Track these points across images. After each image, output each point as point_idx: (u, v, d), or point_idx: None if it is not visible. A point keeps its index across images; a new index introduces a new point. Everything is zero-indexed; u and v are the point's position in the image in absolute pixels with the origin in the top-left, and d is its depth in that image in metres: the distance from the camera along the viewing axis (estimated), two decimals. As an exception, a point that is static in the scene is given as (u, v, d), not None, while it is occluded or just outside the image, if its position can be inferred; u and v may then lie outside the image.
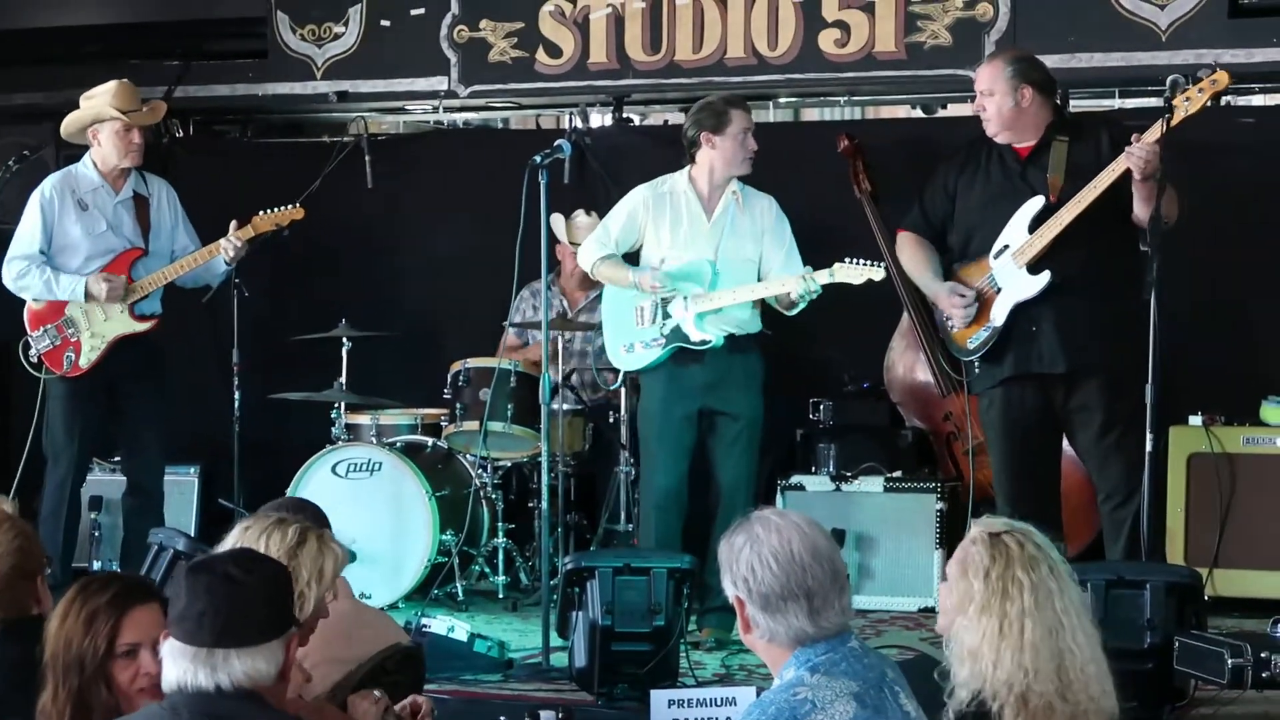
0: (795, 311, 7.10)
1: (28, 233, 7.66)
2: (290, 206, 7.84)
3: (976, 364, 6.89)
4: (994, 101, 6.70)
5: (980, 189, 6.81)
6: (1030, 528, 3.97)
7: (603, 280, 7.52)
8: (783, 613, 3.51)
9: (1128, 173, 6.34)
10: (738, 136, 7.17)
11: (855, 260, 6.89)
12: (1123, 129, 6.54)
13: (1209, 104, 6.35)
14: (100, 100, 7.68)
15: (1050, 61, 7.10)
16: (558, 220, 8.24)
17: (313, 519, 4.47)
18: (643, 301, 7.24)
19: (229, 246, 7.65)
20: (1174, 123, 6.20)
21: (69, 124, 7.77)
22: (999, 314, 6.69)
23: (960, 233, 6.88)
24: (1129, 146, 6.31)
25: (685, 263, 7.18)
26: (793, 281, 6.96)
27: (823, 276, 6.94)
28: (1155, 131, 6.28)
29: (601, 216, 8.37)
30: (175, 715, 3.37)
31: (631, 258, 7.39)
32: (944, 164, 7.04)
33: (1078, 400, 6.70)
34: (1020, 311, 6.65)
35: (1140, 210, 6.47)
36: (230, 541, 4.16)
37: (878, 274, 6.88)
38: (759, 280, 7.14)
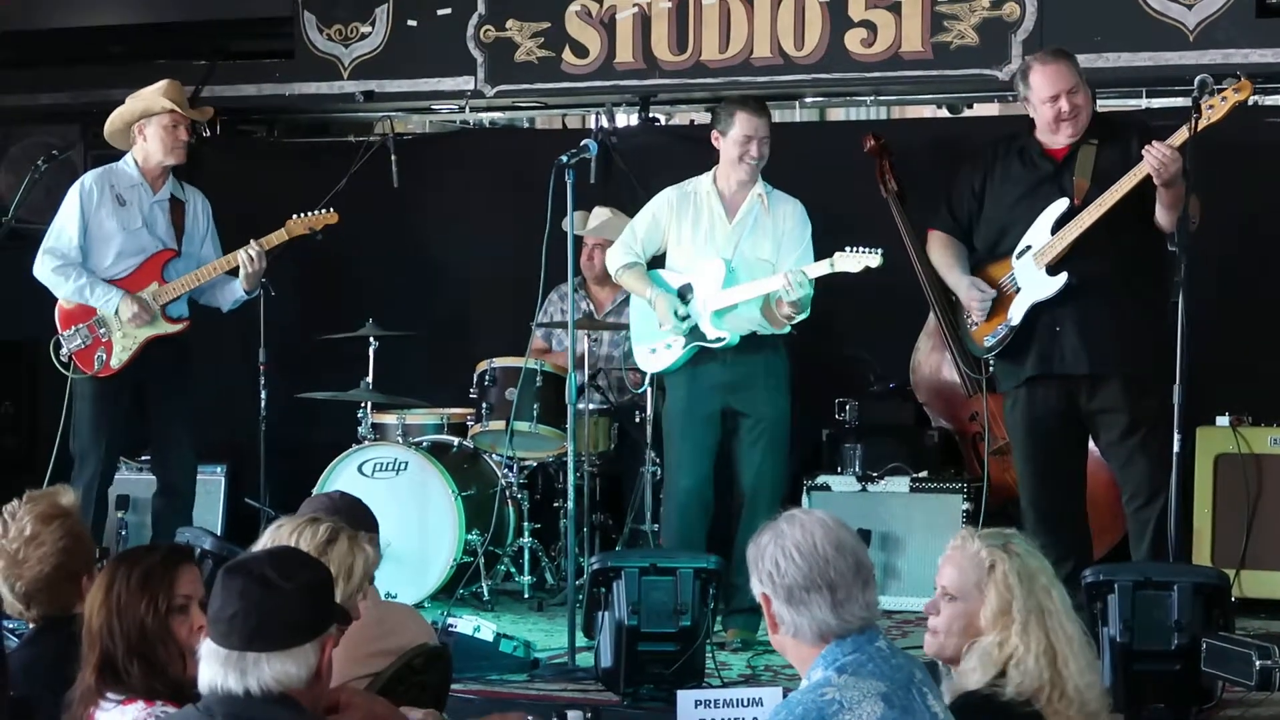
0: (795, 322, 7.10)
1: (65, 225, 7.68)
2: (325, 211, 7.85)
3: (992, 362, 6.91)
4: (1082, 95, 6.66)
5: (1013, 189, 6.79)
6: (1017, 534, 4.11)
7: (625, 287, 7.56)
8: (805, 604, 3.53)
9: (1151, 176, 6.34)
10: (738, 140, 7.14)
11: (854, 248, 6.88)
12: (1153, 135, 6.50)
13: (1236, 108, 6.32)
14: (150, 96, 7.72)
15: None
16: (577, 216, 8.21)
17: (349, 518, 4.47)
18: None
19: (248, 257, 7.64)
20: (1197, 130, 6.19)
21: (115, 120, 7.79)
22: (1016, 313, 6.70)
23: (989, 231, 6.87)
24: (1147, 147, 6.30)
25: (701, 263, 7.19)
26: (778, 279, 6.96)
27: (823, 267, 6.94)
28: (1179, 137, 6.28)
29: (624, 214, 8.44)
30: (209, 716, 3.36)
31: (660, 260, 7.41)
32: (969, 164, 7.03)
33: (1101, 401, 6.69)
34: (1042, 312, 6.65)
35: (1161, 216, 6.46)
36: (264, 540, 4.16)
37: (874, 260, 6.85)
38: None
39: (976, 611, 4.01)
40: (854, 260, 6.87)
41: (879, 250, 6.87)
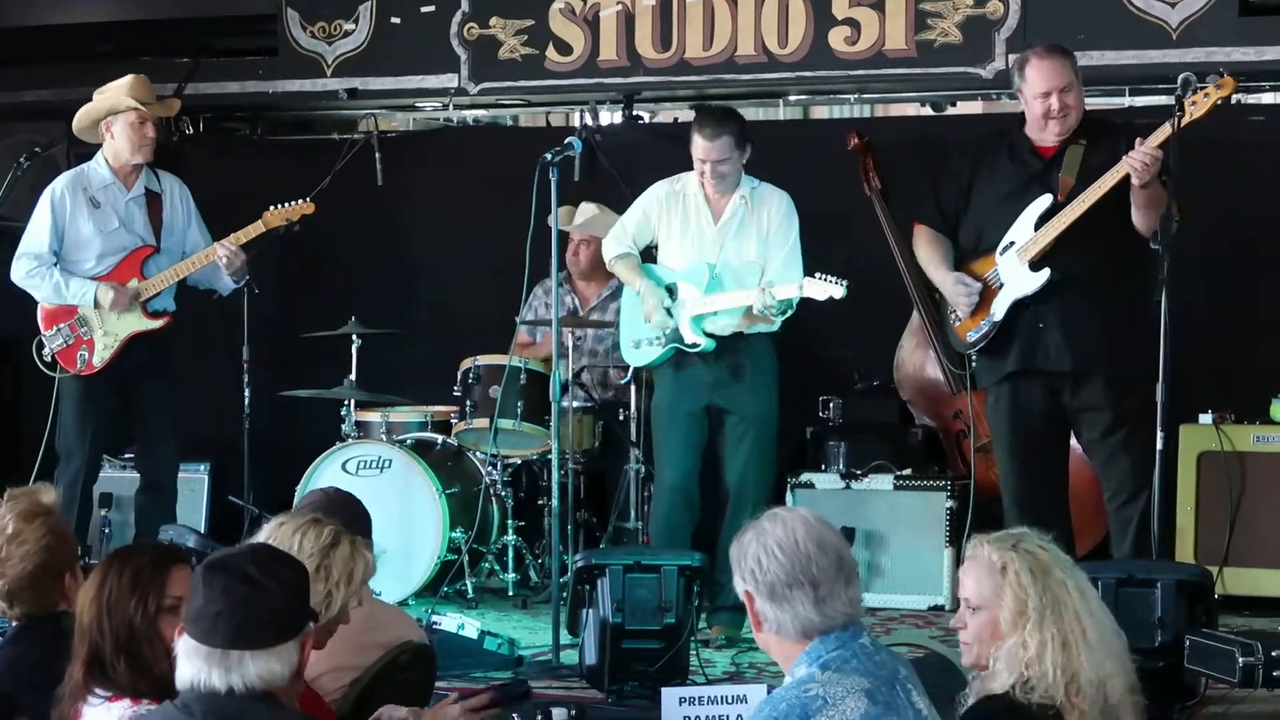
0: (780, 320, 7.11)
1: (37, 232, 7.66)
2: (301, 201, 7.85)
3: (974, 357, 6.91)
4: (1074, 95, 6.66)
5: (1000, 185, 6.78)
6: (1029, 531, 4.04)
7: (618, 276, 7.58)
8: (789, 601, 3.53)
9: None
10: (696, 160, 7.16)
11: (822, 276, 6.88)
12: (1140, 137, 6.49)
13: (1217, 105, 6.33)
14: (115, 93, 7.70)
15: (1061, 59, 7.09)
16: (564, 212, 8.20)
17: (345, 515, 4.48)
18: (653, 301, 7.28)
19: (223, 253, 7.63)
20: (1179, 127, 6.20)
21: (81, 117, 7.77)
22: (999, 309, 6.70)
23: (974, 227, 6.87)
24: (1129, 154, 6.31)
25: (687, 265, 7.20)
26: (753, 294, 6.99)
27: (792, 290, 6.96)
28: (1159, 136, 6.28)
29: (610, 209, 8.45)
30: (188, 713, 3.36)
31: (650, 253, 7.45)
32: (956, 158, 7.02)
33: (1084, 398, 6.70)
34: (1025, 308, 6.65)
35: (1137, 219, 6.46)
36: (263, 537, 4.15)
37: (839, 291, 6.85)
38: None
39: (999, 617, 3.92)
40: (821, 288, 6.88)
41: (844, 281, 6.84)
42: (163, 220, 7.79)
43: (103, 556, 8.25)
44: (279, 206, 7.81)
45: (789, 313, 7.08)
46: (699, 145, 7.12)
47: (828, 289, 6.87)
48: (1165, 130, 6.25)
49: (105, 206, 7.69)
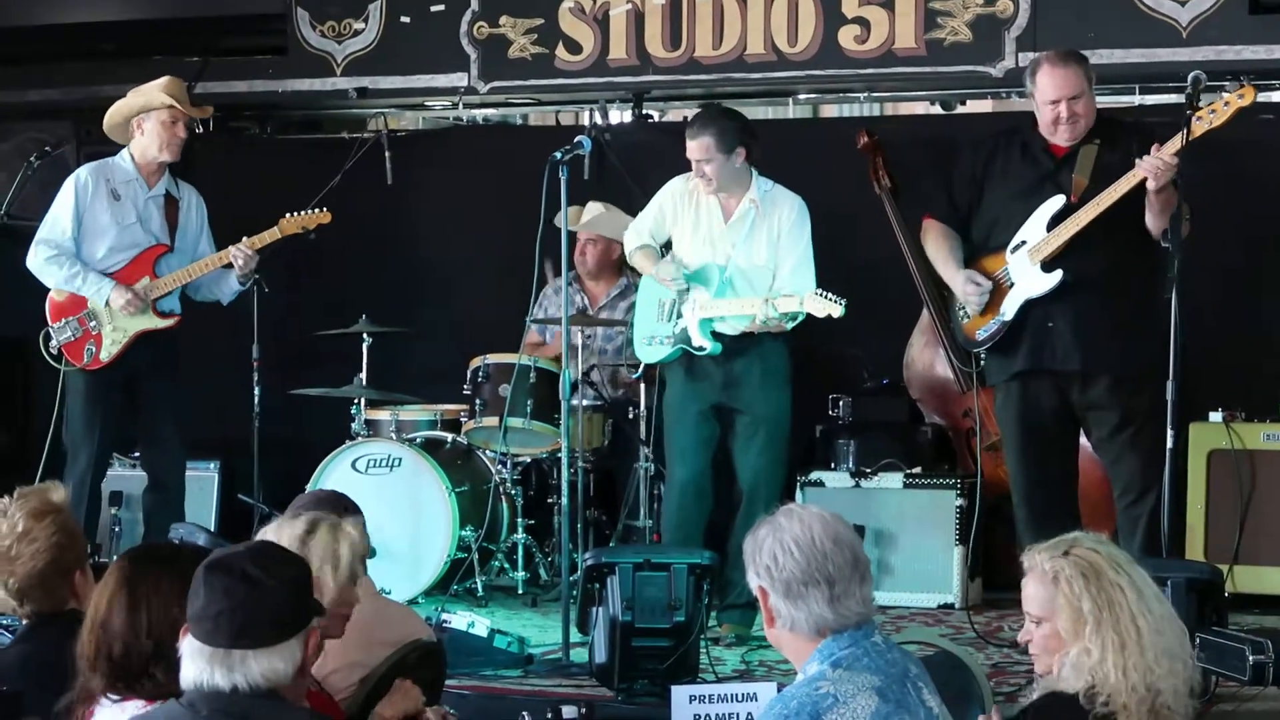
0: (790, 325, 7.11)
1: (59, 216, 7.66)
2: (317, 210, 7.83)
3: (983, 355, 6.90)
4: (1084, 103, 6.65)
5: (1012, 183, 6.78)
6: (1083, 534, 3.96)
7: (636, 267, 7.60)
8: (804, 599, 3.54)
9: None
10: (692, 162, 7.19)
11: (822, 294, 6.87)
12: (1153, 138, 6.48)
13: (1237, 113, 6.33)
14: (151, 91, 7.72)
15: (1070, 58, 7.08)
16: (571, 211, 8.19)
17: (334, 511, 4.47)
18: (665, 297, 7.26)
19: (239, 255, 7.65)
20: (1194, 135, 6.19)
21: (114, 114, 7.77)
22: (1009, 308, 6.69)
23: (984, 224, 6.86)
24: (1145, 157, 6.30)
25: (699, 266, 7.21)
26: (758, 303, 6.99)
27: (793, 303, 6.95)
28: (1176, 143, 6.27)
29: (618, 208, 8.46)
30: (194, 712, 3.36)
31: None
32: (970, 153, 7.00)
33: (1093, 397, 6.70)
34: (1035, 307, 6.65)
35: (1150, 222, 6.45)
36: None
37: (837, 310, 6.83)
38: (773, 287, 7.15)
39: (1060, 626, 3.83)
40: (821, 304, 6.87)
41: (843, 300, 6.82)
42: (178, 223, 7.81)
43: (115, 555, 8.31)
44: (295, 214, 7.81)
45: (799, 319, 7.07)
46: (688, 146, 7.16)
47: (827, 307, 6.86)
48: (1179, 141, 6.24)
49: (125, 200, 7.70)
